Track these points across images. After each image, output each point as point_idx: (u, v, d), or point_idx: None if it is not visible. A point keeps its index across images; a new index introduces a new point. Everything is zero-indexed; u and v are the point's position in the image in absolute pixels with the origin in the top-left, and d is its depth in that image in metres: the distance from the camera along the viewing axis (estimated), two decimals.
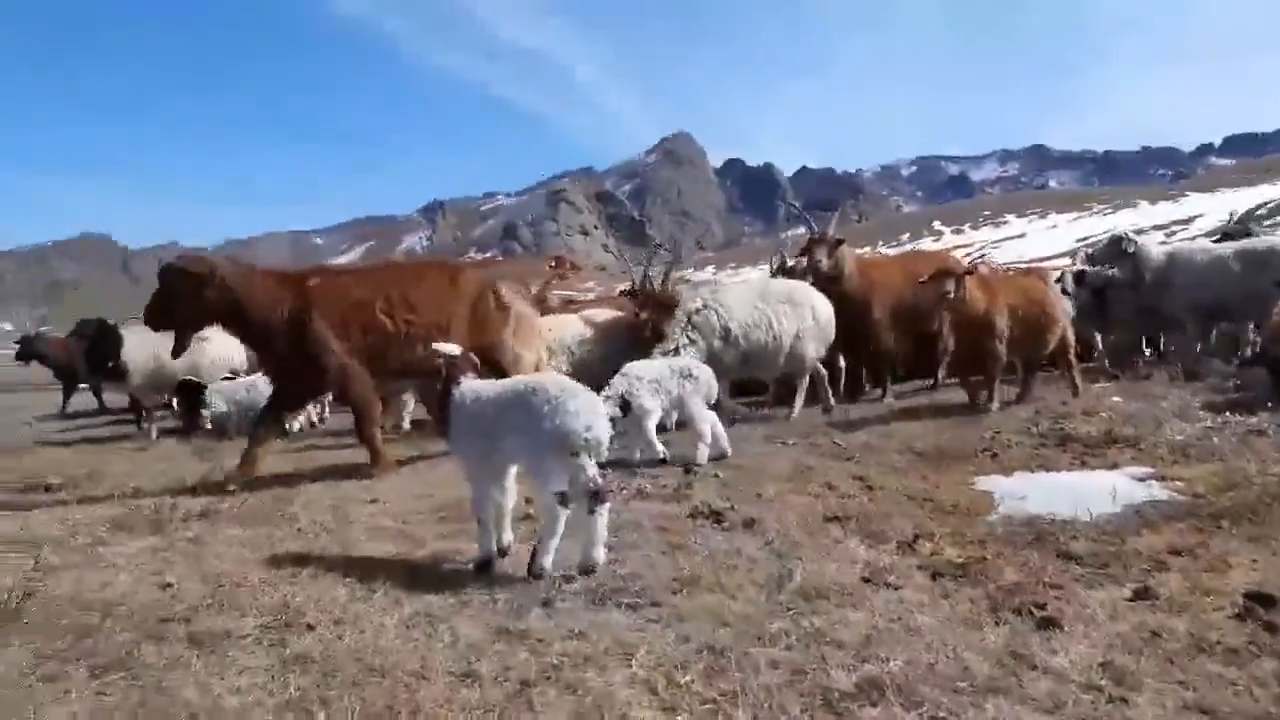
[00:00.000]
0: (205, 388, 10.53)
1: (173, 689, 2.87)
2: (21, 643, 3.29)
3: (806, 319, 8.52)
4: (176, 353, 7.03)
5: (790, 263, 14.01)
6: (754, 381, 9.95)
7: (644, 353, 8.13)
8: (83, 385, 14.60)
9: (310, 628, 3.39)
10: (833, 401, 9.02)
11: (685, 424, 6.72)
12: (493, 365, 7.17)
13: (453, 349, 4.49)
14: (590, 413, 3.93)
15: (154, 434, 10.71)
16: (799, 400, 8.68)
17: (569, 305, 12.83)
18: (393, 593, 3.78)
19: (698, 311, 8.30)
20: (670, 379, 6.58)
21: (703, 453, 6.42)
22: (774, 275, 11.68)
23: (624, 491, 5.68)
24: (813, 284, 9.78)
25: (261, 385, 9.86)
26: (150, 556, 4.49)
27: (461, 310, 7.37)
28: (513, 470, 4.19)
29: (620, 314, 10.03)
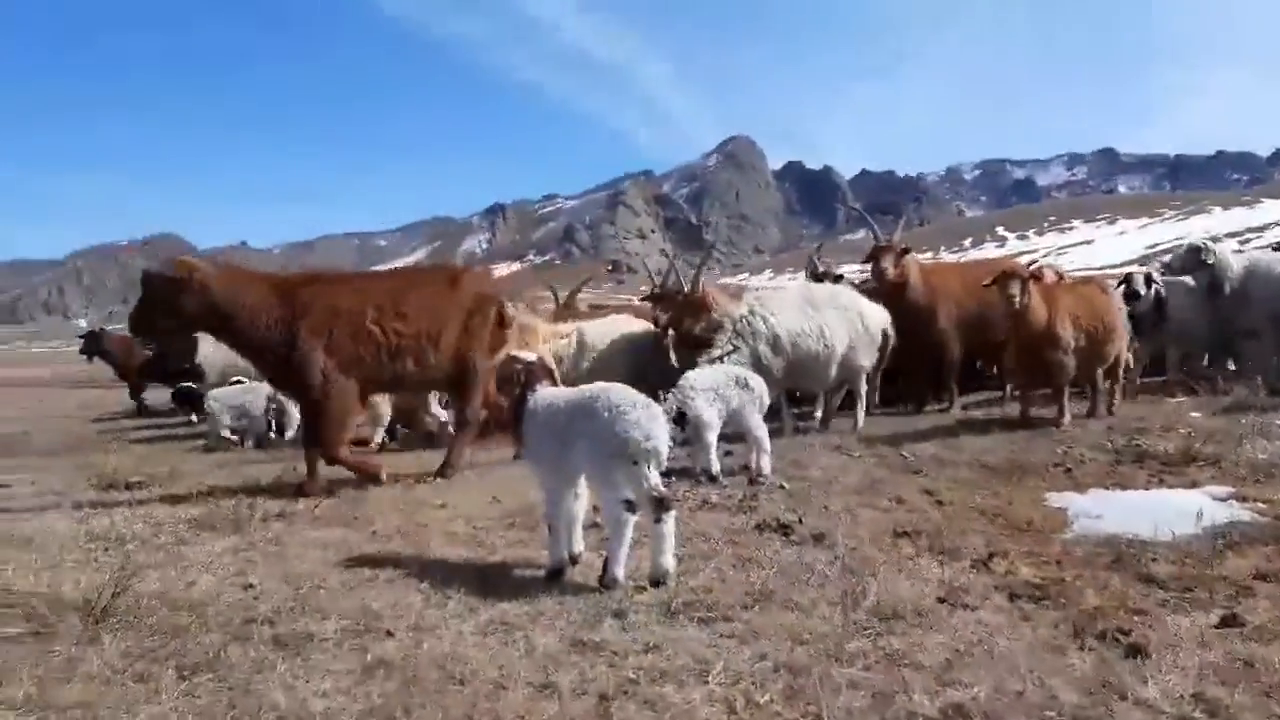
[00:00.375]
0: (203, 395, 10.38)
1: (260, 691, 2.94)
2: (113, 640, 3.40)
3: (857, 326, 8.36)
4: (160, 360, 6.93)
5: (822, 268, 13.97)
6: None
7: (675, 360, 8.13)
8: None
9: (390, 634, 3.45)
10: (865, 417, 8.82)
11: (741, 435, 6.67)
12: (463, 379, 7.15)
13: (529, 356, 4.53)
14: (650, 422, 3.94)
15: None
16: (860, 411, 8.56)
17: (597, 310, 12.86)
18: (467, 600, 3.83)
19: (744, 318, 8.01)
20: (729, 388, 6.52)
21: (766, 463, 6.38)
22: (809, 280, 11.67)
23: (689, 502, 5.69)
24: (876, 292, 9.69)
25: (262, 391, 9.91)
26: (232, 557, 4.62)
27: (456, 321, 7.10)
28: (583, 478, 4.21)
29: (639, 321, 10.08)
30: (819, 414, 9.04)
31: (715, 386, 6.47)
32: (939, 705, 2.71)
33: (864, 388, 8.67)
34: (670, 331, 9.33)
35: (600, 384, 4.24)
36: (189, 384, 10.78)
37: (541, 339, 8.47)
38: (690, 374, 6.80)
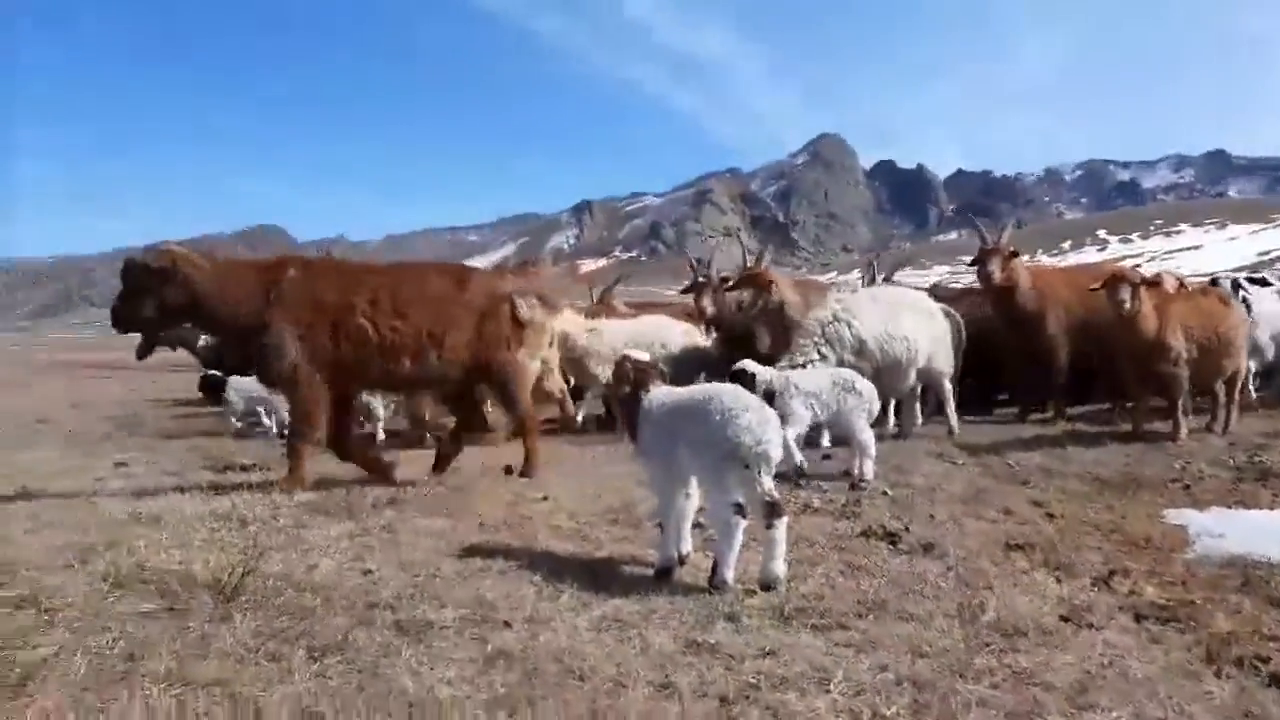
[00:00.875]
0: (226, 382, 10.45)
1: (388, 676, 3.02)
2: (243, 619, 3.53)
3: (938, 329, 8.23)
4: (141, 355, 6.78)
5: (881, 275, 13.76)
6: None
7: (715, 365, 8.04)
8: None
9: (507, 625, 3.50)
10: (917, 426, 8.68)
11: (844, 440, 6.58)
12: (495, 384, 6.97)
13: (643, 355, 4.55)
14: (762, 426, 3.91)
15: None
16: (952, 415, 8.38)
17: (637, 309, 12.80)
18: (579, 594, 3.86)
19: (829, 322, 7.76)
20: (830, 392, 6.44)
21: (869, 469, 6.29)
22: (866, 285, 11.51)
23: (790, 506, 5.64)
24: (983, 297, 9.47)
25: None
26: (349, 542, 4.76)
27: (465, 321, 6.78)
28: (694, 479, 4.21)
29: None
30: (892, 422, 8.93)
31: (818, 390, 6.41)
32: None
33: (949, 391, 8.50)
34: (713, 328, 9.61)
35: (714, 385, 4.22)
36: (216, 373, 10.83)
37: (549, 338, 8.26)
38: (794, 372, 6.76)
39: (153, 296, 6.26)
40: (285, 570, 4.13)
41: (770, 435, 3.91)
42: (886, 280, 13.10)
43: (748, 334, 9.30)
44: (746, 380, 6.24)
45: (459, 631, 3.43)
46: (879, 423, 8.69)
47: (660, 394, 4.31)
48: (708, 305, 9.30)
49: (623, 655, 3.21)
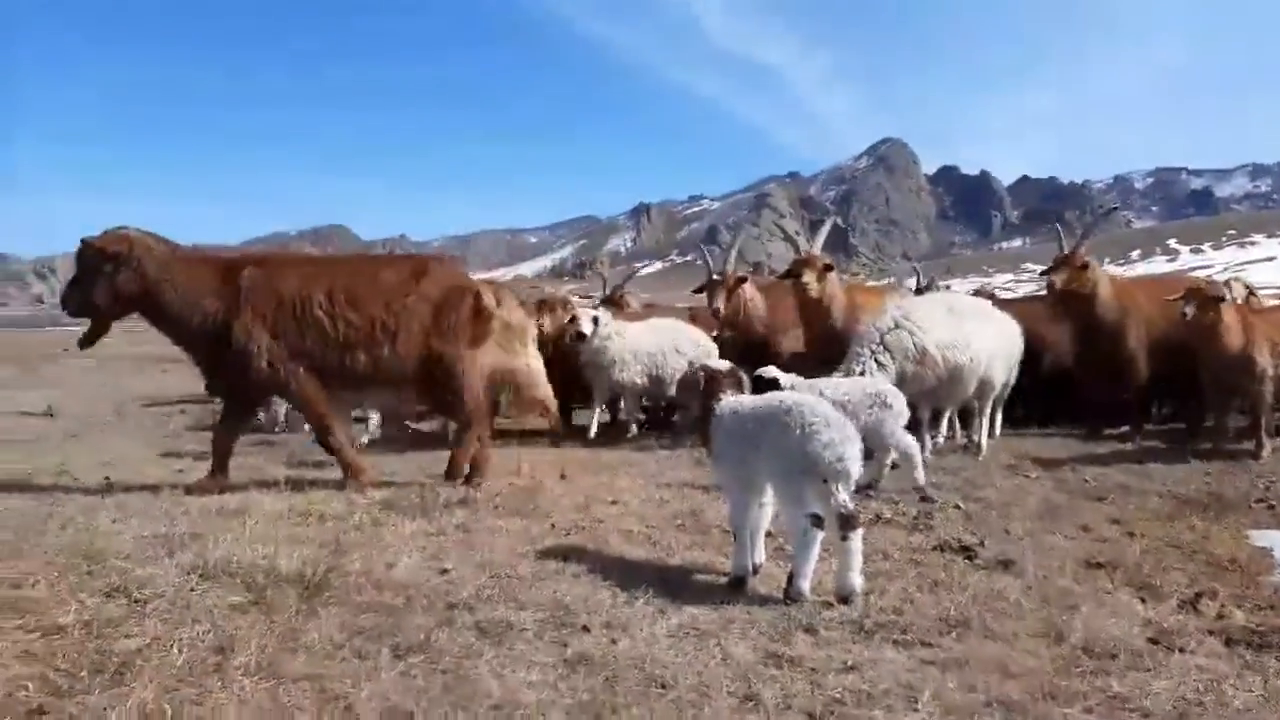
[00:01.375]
0: None
1: (472, 678, 3.05)
2: (328, 616, 3.60)
3: (999, 339, 7.94)
4: (84, 343, 6.36)
5: (924, 282, 13.47)
6: None
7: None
8: None
9: (585, 629, 3.51)
10: (994, 439, 8.43)
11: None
12: (440, 380, 6.51)
13: (717, 364, 4.53)
14: (844, 443, 3.86)
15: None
16: (984, 428, 8.12)
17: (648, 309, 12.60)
18: (655, 601, 3.86)
19: (890, 330, 7.30)
20: (861, 403, 6.23)
21: (920, 474, 6.17)
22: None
23: (861, 516, 5.57)
24: (1054, 307, 9.26)
25: None
26: (425, 540, 4.82)
27: (420, 316, 6.41)
28: (769, 488, 4.17)
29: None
30: (941, 434, 8.74)
31: (846, 400, 6.17)
32: None
33: (995, 405, 8.33)
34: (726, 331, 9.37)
35: (794, 395, 4.19)
36: None
37: (530, 336, 7.77)
38: (826, 380, 6.63)
39: (105, 281, 6.02)
40: (366, 567, 4.20)
41: (851, 452, 3.86)
42: (921, 289, 12.88)
43: (764, 340, 9.19)
44: (771, 387, 6.11)
45: (538, 634, 3.45)
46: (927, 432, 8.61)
47: (734, 402, 4.29)
48: (720, 305, 9.01)
49: (703, 665, 3.20)
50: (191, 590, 3.85)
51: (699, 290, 9.51)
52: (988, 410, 8.14)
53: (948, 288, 12.86)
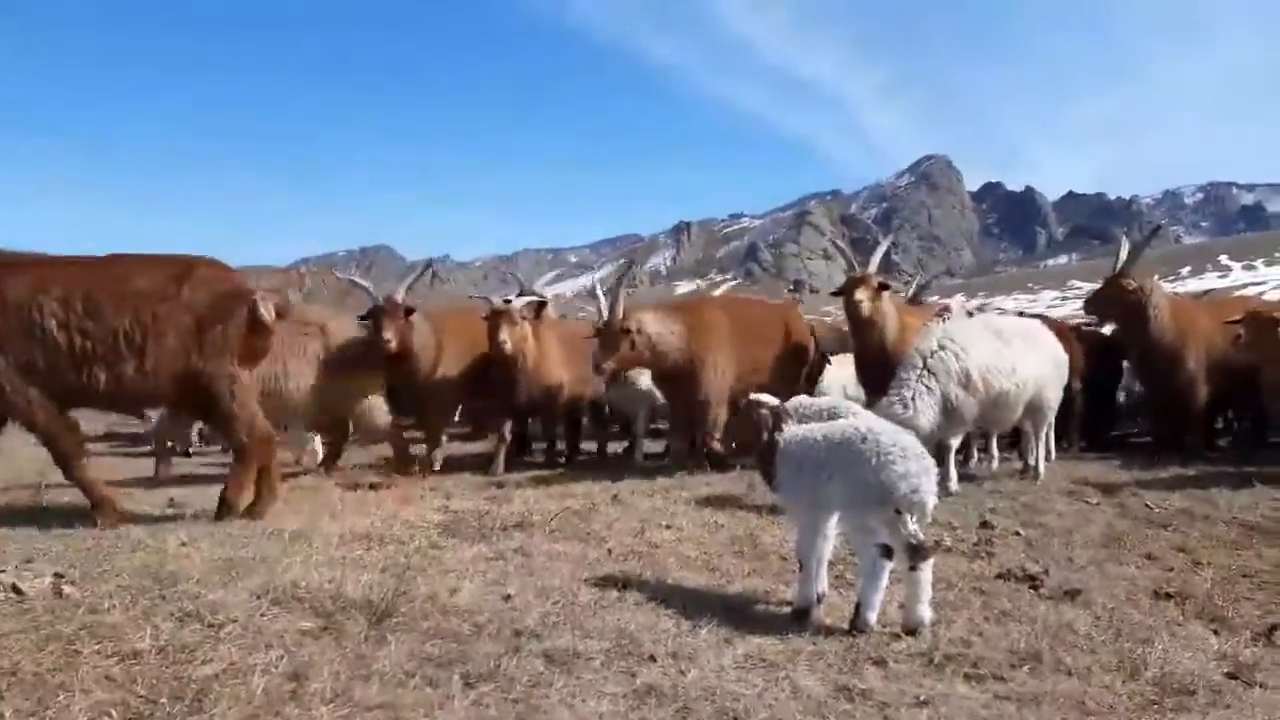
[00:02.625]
0: None
1: (543, 707, 3.06)
2: (397, 642, 3.63)
3: (1046, 362, 7.79)
4: None
5: (924, 281, 13.47)
6: None
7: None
8: None
9: (652, 659, 3.51)
10: (1050, 460, 8.32)
11: None
12: (203, 401, 6.01)
13: (771, 400, 4.50)
14: (920, 473, 3.83)
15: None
16: (1040, 451, 7.93)
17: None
18: (719, 630, 3.84)
19: (934, 353, 7.02)
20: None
21: None
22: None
23: (931, 546, 5.52)
24: (1105, 327, 9.17)
25: None
26: (485, 564, 4.85)
27: (178, 324, 5.74)
28: (834, 517, 4.14)
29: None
30: (994, 458, 8.67)
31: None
32: None
33: (1046, 429, 8.12)
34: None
35: (867, 422, 4.15)
36: None
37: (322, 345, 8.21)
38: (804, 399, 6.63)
39: None
40: (430, 592, 4.22)
41: (928, 483, 3.83)
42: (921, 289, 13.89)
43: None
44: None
45: (606, 664, 3.45)
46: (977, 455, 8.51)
47: (798, 432, 4.27)
48: (390, 336, 8.30)
49: (774, 697, 3.18)
50: (262, 615, 3.89)
51: (365, 318, 8.81)
52: (1043, 433, 7.99)
53: (998, 310, 12.80)
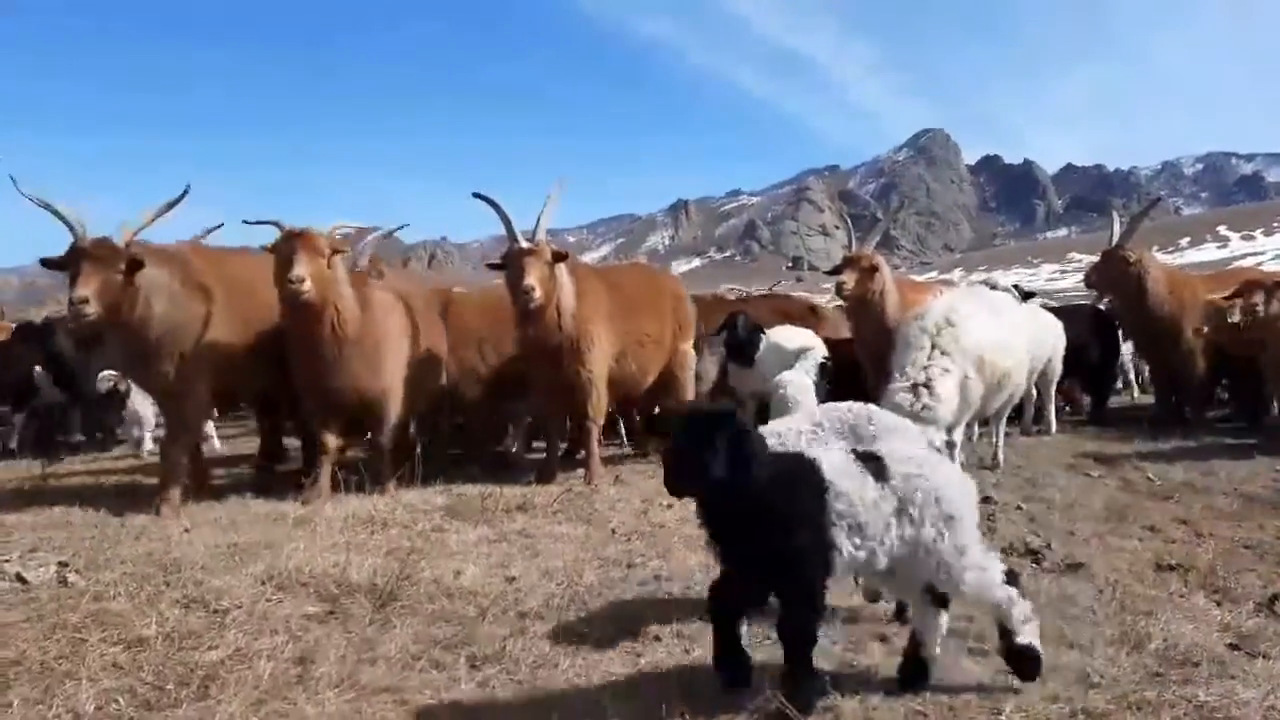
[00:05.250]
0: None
1: (549, 688, 3.07)
2: (402, 625, 3.64)
3: (1046, 339, 7.90)
4: None
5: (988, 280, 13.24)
6: None
7: None
8: None
9: (657, 639, 3.53)
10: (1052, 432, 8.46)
11: None
12: None
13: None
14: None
15: None
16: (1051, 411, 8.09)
17: None
18: None
19: (940, 331, 6.18)
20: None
21: None
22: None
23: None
24: (1103, 302, 9.16)
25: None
26: (489, 547, 4.88)
27: None
28: None
29: None
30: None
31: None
32: None
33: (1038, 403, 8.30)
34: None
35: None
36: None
37: None
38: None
39: None
40: (435, 575, 4.23)
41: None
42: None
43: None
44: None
45: (610, 644, 3.46)
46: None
47: None
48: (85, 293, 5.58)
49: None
50: (267, 600, 3.92)
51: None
52: (1050, 394, 8.35)
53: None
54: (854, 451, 3.09)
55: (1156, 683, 3.11)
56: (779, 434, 3.73)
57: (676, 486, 2.81)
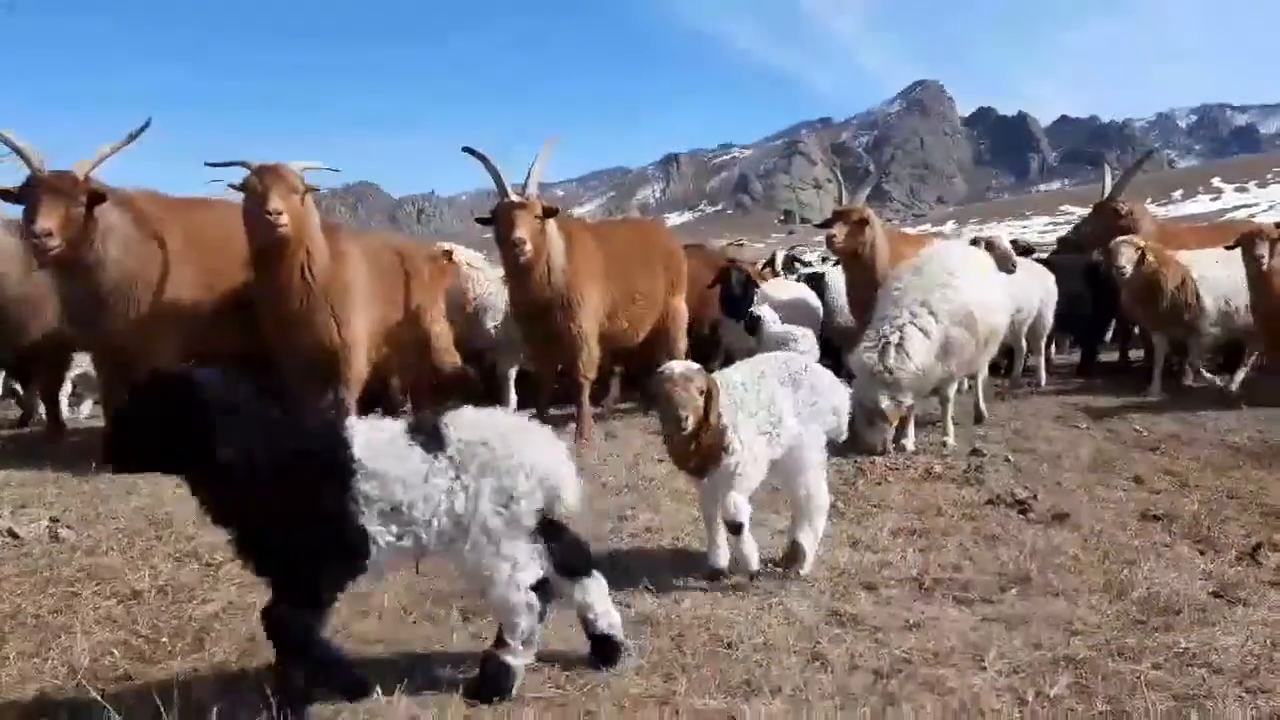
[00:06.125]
0: None
1: (540, 640, 3.07)
2: (395, 579, 3.64)
3: (1035, 291, 8.03)
4: None
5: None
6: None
7: None
8: None
9: (647, 589, 3.56)
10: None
11: None
12: None
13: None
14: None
15: None
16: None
17: None
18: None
19: (934, 290, 6.07)
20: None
21: None
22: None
23: (913, 471, 5.58)
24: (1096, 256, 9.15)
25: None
26: None
27: None
28: None
29: None
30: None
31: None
32: (1254, 715, 2.55)
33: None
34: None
35: None
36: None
37: None
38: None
39: None
40: None
41: None
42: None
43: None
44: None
45: None
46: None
47: None
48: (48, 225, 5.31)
49: (766, 623, 3.24)
50: None
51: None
52: (1040, 347, 8.65)
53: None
54: (410, 422, 2.76)
55: (1138, 630, 3.16)
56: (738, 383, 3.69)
57: (113, 465, 2.50)
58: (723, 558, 3.73)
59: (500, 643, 2.74)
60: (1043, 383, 8.80)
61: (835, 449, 5.90)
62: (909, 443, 6.20)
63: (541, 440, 2.84)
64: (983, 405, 7.22)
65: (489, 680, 2.72)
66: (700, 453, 3.51)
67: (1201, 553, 4.10)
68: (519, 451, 2.69)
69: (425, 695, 2.73)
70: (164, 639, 3.16)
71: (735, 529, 3.55)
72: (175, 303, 5.92)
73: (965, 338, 6.14)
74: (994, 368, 8.84)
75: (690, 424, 3.36)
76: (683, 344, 8.13)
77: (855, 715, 2.58)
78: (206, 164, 5.94)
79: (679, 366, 3.51)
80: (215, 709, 2.58)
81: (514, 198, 6.26)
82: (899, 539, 4.25)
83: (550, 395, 7.20)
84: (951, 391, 6.53)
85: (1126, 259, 7.72)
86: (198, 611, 3.38)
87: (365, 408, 6.64)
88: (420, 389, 7.42)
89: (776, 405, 3.65)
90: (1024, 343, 8.72)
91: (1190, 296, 7.86)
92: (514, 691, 2.71)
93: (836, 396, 3.91)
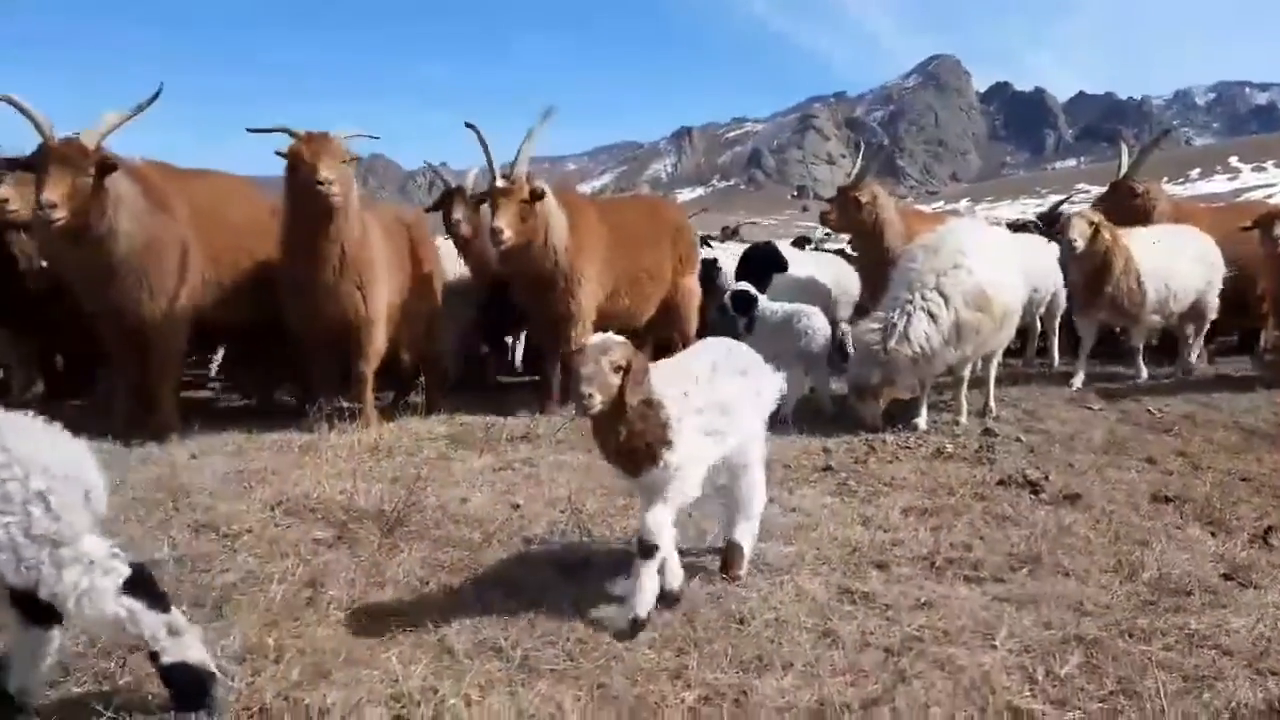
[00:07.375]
0: None
1: (553, 612, 3.14)
2: (410, 551, 3.70)
3: (1051, 272, 7.99)
4: None
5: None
6: None
7: None
8: None
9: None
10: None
11: None
12: None
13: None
14: None
15: None
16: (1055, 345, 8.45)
17: None
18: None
19: (947, 271, 5.96)
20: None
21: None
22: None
23: (923, 450, 5.58)
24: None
25: None
26: (493, 475, 4.94)
27: None
28: None
29: None
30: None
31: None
32: (1264, 698, 2.56)
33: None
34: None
35: None
36: None
37: None
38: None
39: None
40: (440, 502, 4.31)
41: None
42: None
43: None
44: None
45: (614, 570, 3.51)
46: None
47: None
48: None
49: (779, 600, 3.26)
50: (276, 525, 3.99)
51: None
52: (1054, 327, 8.61)
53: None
54: None
55: (1149, 611, 3.18)
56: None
57: None
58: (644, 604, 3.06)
59: (151, 655, 2.48)
60: (1056, 363, 8.77)
61: (845, 428, 6.02)
62: (921, 421, 6.19)
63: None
64: (993, 403, 6.73)
65: (183, 692, 2.48)
66: (631, 443, 3.06)
67: (1213, 535, 4.11)
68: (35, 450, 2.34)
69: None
70: (184, 608, 3.18)
71: (646, 551, 3.04)
72: (185, 274, 5.87)
73: (978, 319, 6.02)
74: (1006, 349, 8.81)
75: (596, 403, 2.90)
76: (694, 323, 7.97)
77: (866, 692, 2.61)
78: (249, 130, 5.92)
79: (597, 337, 3.06)
80: (235, 677, 2.62)
81: (499, 181, 6.20)
82: (910, 518, 4.26)
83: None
84: (966, 372, 6.49)
85: (1079, 232, 7.24)
86: (217, 581, 3.42)
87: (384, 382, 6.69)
88: (431, 363, 7.36)
89: (729, 400, 3.28)
90: (1039, 323, 8.70)
91: (1133, 281, 7.42)
92: None
93: (770, 382, 3.59)
